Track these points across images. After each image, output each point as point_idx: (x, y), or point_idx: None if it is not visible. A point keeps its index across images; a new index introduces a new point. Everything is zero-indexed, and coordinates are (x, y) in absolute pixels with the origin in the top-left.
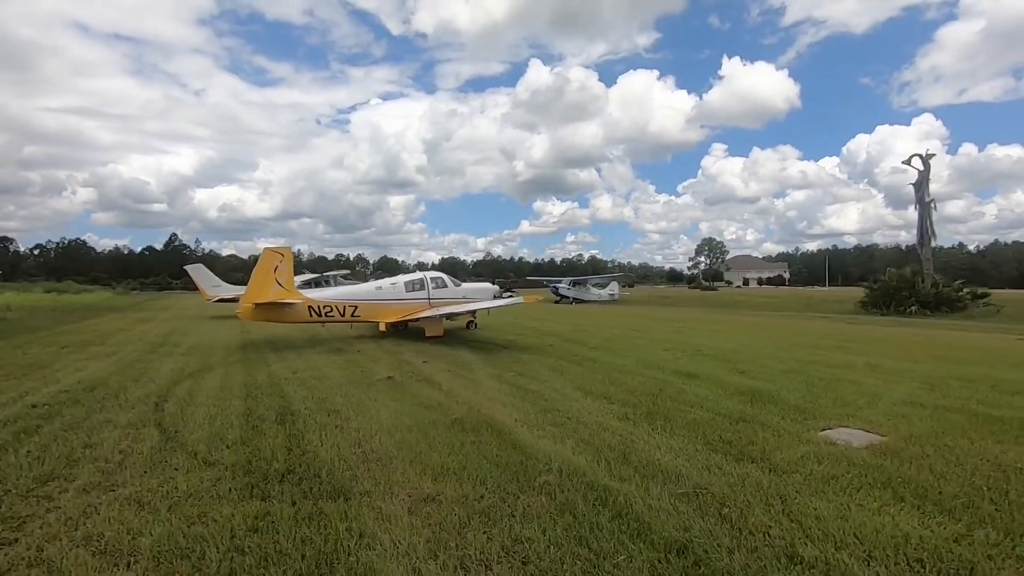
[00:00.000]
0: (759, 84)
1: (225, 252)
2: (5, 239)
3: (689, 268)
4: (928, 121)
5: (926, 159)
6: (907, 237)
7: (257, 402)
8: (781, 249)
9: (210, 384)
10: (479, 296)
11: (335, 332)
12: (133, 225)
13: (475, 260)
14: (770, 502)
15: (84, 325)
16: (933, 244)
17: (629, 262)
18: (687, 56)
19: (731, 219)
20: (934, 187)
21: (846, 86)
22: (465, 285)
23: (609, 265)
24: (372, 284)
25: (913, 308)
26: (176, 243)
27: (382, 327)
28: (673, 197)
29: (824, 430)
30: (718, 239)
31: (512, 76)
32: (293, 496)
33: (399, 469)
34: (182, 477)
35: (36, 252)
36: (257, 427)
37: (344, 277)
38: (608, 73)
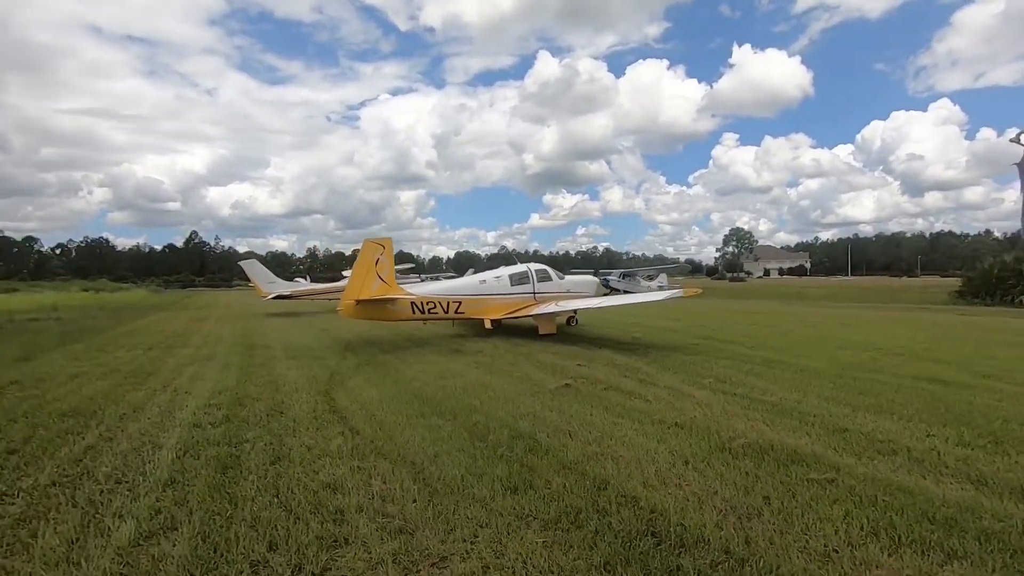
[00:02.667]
0: (771, 72)
1: (242, 249)
2: (31, 239)
3: (716, 259)
4: (945, 106)
5: None
6: (924, 225)
7: (465, 419)
8: (795, 239)
9: (369, 395)
10: (583, 290)
11: (432, 330)
12: (147, 224)
13: (489, 254)
14: None
15: (142, 325)
16: None
17: (643, 254)
18: (697, 45)
19: (743, 209)
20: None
21: (860, 72)
22: (568, 278)
23: (624, 257)
24: (475, 278)
25: (1023, 298)
26: (196, 240)
27: (487, 324)
28: (684, 188)
29: None
30: (745, 228)
31: (521, 69)
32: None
33: (797, 529)
34: (531, 535)
35: (58, 252)
36: (508, 456)
37: (403, 273)
38: (617, 64)
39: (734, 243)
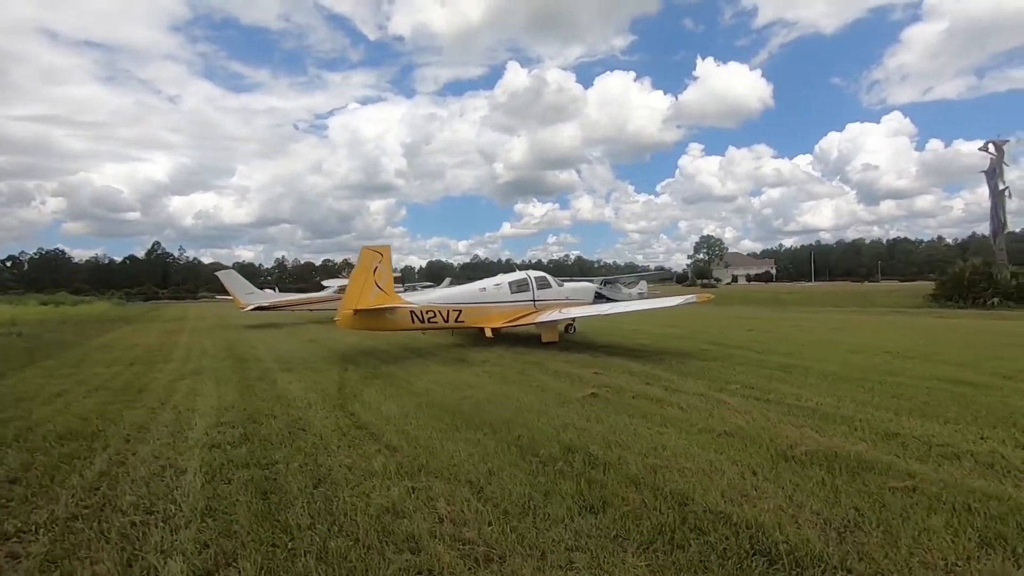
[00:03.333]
0: (733, 84)
1: (206, 260)
2: None
3: (688, 266)
4: (897, 119)
5: (1000, 145)
6: (880, 232)
7: (505, 433)
8: (759, 247)
9: (389, 409)
10: (581, 297)
11: (428, 340)
12: (105, 234)
13: (461, 263)
14: None
15: (113, 339)
16: (1007, 232)
17: (614, 261)
18: (662, 57)
19: (709, 217)
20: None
21: (818, 86)
22: (567, 285)
23: (596, 266)
24: (475, 285)
25: (995, 300)
26: (159, 251)
27: (488, 333)
28: (652, 197)
29: None
30: (715, 236)
31: (490, 79)
32: None
33: (906, 542)
34: (631, 558)
35: (9, 264)
36: (569, 472)
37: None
38: (585, 75)
39: (705, 250)
